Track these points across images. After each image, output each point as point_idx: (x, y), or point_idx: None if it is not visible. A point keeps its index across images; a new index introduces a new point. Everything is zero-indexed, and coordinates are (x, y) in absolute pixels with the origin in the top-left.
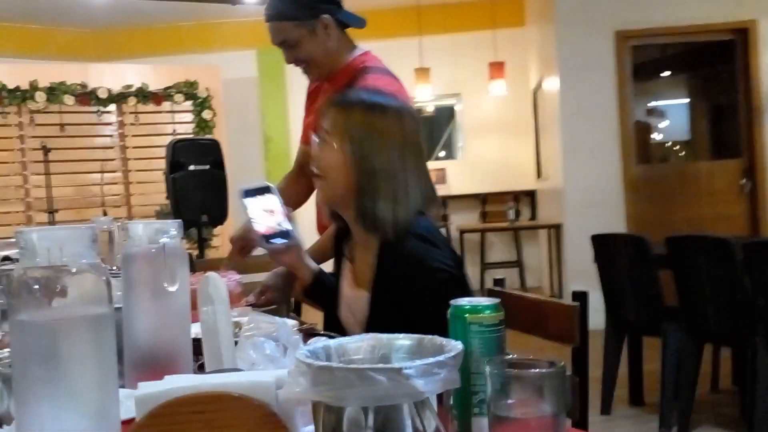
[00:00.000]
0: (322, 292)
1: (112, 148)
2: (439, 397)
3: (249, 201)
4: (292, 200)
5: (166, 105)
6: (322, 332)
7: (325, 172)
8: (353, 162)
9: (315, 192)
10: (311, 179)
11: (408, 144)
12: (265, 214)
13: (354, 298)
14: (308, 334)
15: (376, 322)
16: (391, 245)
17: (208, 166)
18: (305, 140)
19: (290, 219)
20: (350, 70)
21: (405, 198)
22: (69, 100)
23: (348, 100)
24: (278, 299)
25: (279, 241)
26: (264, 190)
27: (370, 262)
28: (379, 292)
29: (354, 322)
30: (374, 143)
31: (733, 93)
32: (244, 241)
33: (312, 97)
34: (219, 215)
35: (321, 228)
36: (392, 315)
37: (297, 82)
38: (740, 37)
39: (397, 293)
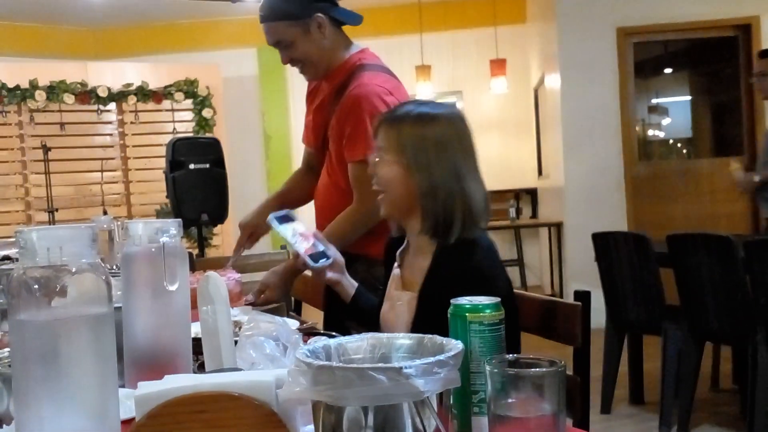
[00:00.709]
0: (363, 305)
1: (112, 146)
2: (439, 396)
3: (283, 227)
4: (301, 197)
5: (166, 103)
6: (322, 332)
7: (385, 187)
8: (412, 173)
9: (314, 194)
10: (317, 175)
11: (464, 148)
12: (299, 237)
13: (401, 298)
14: (308, 333)
15: (423, 323)
16: (450, 251)
17: (208, 165)
18: (306, 141)
19: (318, 238)
20: (347, 67)
21: (468, 201)
22: (69, 98)
23: (397, 115)
24: (277, 298)
25: (324, 261)
26: (288, 218)
27: (422, 266)
28: (430, 293)
29: (396, 323)
30: (429, 152)
31: (736, 90)
32: (254, 228)
33: (311, 96)
34: (219, 214)
35: (320, 228)
36: (441, 318)
37: (297, 81)
38: (743, 34)
39: (446, 292)
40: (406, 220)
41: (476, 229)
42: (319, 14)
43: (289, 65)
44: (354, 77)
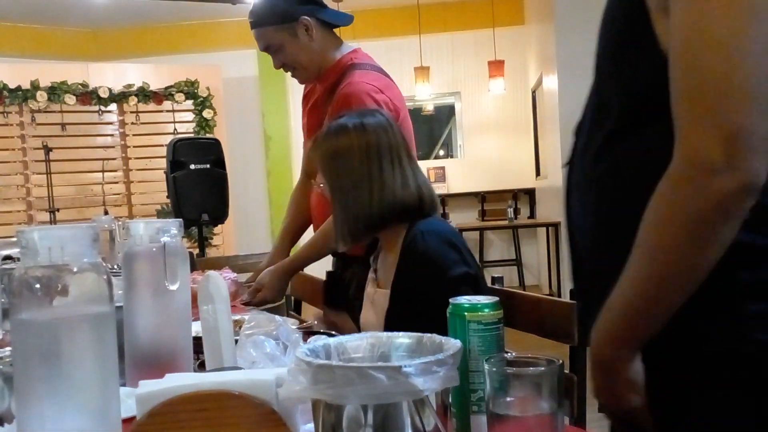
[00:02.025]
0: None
1: (113, 147)
2: (439, 395)
3: None
4: (308, 219)
5: (167, 104)
6: (322, 331)
7: (332, 209)
8: (331, 188)
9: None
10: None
11: (376, 151)
12: None
13: (376, 295)
14: (308, 332)
15: (394, 317)
16: (410, 245)
17: (208, 165)
18: (305, 142)
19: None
20: (339, 67)
21: (393, 200)
22: (70, 99)
23: (316, 137)
24: (273, 297)
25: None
26: None
27: (392, 263)
28: (398, 289)
29: (374, 322)
30: (340, 164)
31: None
32: (260, 286)
33: (307, 98)
34: (219, 214)
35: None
36: (409, 310)
37: (297, 82)
38: None
39: (414, 291)
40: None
41: (431, 219)
42: (305, 17)
43: (282, 70)
44: (345, 76)
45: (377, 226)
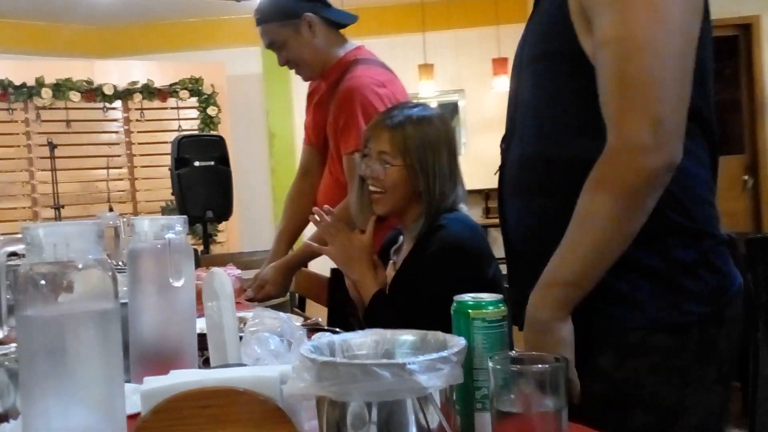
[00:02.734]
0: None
1: (117, 144)
2: (443, 392)
3: None
4: (309, 204)
5: (172, 101)
6: (327, 328)
7: (388, 188)
8: (416, 175)
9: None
10: (314, 179)
11: (453, 146)
12: None
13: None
14: (312, 329)
15: (397, 287)
16: (429, 231)
17: (213, 162)
18: (307, 140)
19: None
20: (342, 64)
21: (456, 196)
22: (75, 96)
23: (397, 121)
24: (276, 293)
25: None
26: None
27: (409, 246)
28: (406, 266)
29: None
30: (428, 153)
31: (736, 89)
32: (264, 282)
33: (311, 96)
34: (224, 211)
35: None
36: (409, 279)
37: (301, 80)
38: (743, 33)
39: (419, 262)
40: (401, 215)
41: (459, 222)
42: (309, 14)
43: (287, 67)
44: (348, 72)
45: (443, 211)
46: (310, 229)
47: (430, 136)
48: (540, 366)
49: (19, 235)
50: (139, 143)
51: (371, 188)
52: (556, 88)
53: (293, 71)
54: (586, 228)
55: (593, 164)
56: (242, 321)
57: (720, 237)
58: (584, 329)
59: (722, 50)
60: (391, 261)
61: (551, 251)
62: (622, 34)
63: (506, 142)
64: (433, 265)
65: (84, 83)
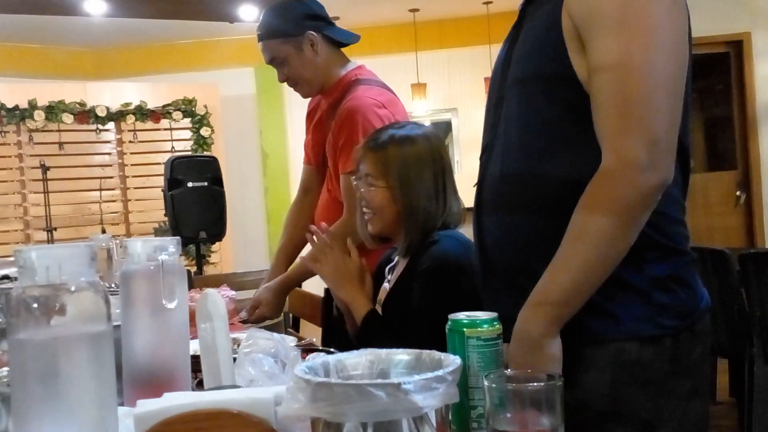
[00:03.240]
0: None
1: (110, 165)
2: (438, 411)
3: None
4: (308, 222)
5: (165, 122)
6: (321, 348)
7: (376, 210)
8: (398, 195)
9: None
10: (315, 197)
11: (442, 166)
12: None
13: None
14: (307, 349)
15: (390, 302)
16: (421, 248)
17: (206, 183)
18: (307, 160)
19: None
20: (343, 83)
21: (445, 216)
22: (68, 118)
23: (381, 141)
24: (271, 314)
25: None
26: None
27: (403, 264)
28: (399, 283)
29: None
30: (411, 173)
31: (728, 105)
32: (258, 302)
33: (311, 115)
34: (217, 232)
35: None
36: (402, 297)
37: (294, 99)
38: (734, 50)
39: (412, 285)
40: (393, 235)
41: (452, 240)
42: (311, 32)
43: (286, 84)
44: (349, 91)
45: (432, 230)
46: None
47: (412, 156)
48: (535, 384)
49: (12, 258)
50: (132, 165)
51: (363, 210)
52: (544, 107)
53: (286, 92)
54: (579, 246)
55: (577, 183)
56: (236, 342)
57: (690, 255)
58: (561, 341)
59: (713, 67)
60: (386, 280)
61: (528, 267)
62: (621, 59)
63: (485, 156)
64: (425, 281)
65: (77, 105)
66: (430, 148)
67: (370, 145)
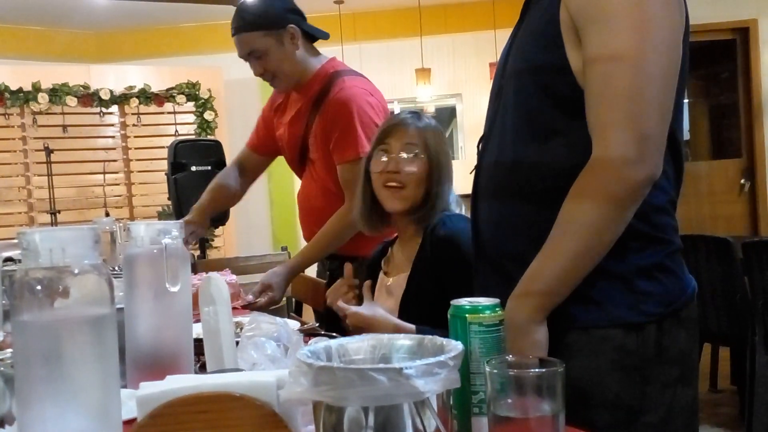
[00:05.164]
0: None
1: (114, 149)
2: (440, 396)
3: None
4: (228, 202)
5: (168, 106)
6: (323, 332)
7: (411, 182)
8: (433, 174)
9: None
10: (249, 180)
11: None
12: None
13: (391, 283)
14: (309, 334)
15: (411, 295)
16: (432, 229)
17: (209, 167)
18: (252, 145)
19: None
20: (321, 76)
21: (450, 199)
22: (71, 101)
23: (423, 123)
24: (279, 298)
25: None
26: None
27: (413, 248)
28: (417, 268)
29: (391, 306)
30: (443, 157)
31: (733, 93)
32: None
33: (281, 109)
34: (220, 216)
35: (311, 234)
36: (427, 288)
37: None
38: (740, 37)
39: (434, 268)
40: (413, 215)
41: (460, 219)
42: (292, 25)
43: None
44: (333, 84)
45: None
46: (285, 225)
47: (444, 144)
48: (536, 370)
49: (15, 241)
50: (135, 148)
51: (390, 184)
52: (538, 98)
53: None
54: (567, 236)
55: (568, 173)
56: (239, 326)
57: (675, 244)
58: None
59: (719, 54)
60: (382, 271)
61: (520, 254)
62: (613, 52)
63: (483, 143)
64: (443, 248)
65: (80, 88)
66: (445, 138)
67: (409, 121)
